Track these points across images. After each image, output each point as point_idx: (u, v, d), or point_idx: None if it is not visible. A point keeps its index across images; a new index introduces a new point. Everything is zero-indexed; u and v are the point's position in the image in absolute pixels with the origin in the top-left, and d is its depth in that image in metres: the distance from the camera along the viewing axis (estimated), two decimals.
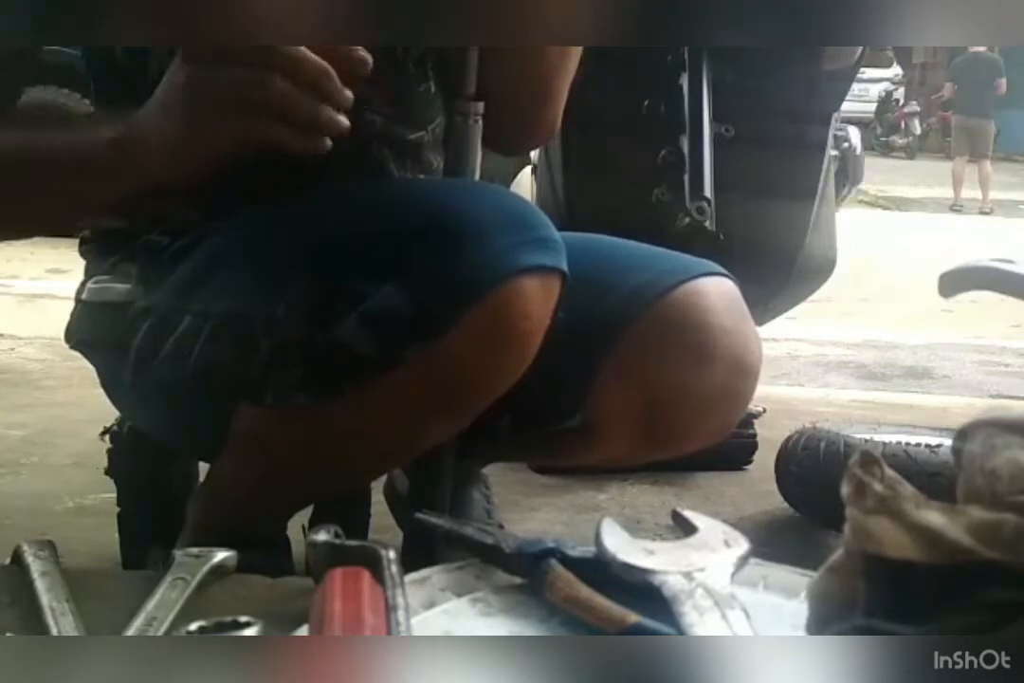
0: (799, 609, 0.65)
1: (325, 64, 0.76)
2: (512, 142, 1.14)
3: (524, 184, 2.25)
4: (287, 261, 0.91)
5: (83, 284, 1.10)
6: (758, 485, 1.71)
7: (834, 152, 1.97)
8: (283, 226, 0.93)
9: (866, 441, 1.52)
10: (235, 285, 0.93)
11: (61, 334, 1.12)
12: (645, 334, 1.07)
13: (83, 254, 1.13)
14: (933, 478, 1.30)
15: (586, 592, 0.74)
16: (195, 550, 0.86)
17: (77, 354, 1.12)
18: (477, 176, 1.01)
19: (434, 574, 0.81)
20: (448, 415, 0.94)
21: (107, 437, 1.24)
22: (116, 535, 1.21)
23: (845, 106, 1.98)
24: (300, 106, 0.76)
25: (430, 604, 0.77)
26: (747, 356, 1.08)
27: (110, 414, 1.21)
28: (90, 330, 1.08)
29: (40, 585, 0.81)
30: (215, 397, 0.95)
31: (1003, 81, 10.86)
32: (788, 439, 1.61)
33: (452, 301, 0.85)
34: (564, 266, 0.90)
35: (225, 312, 0.92)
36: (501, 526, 1.29)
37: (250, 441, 0.96)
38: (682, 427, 1.11)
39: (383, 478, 1.38)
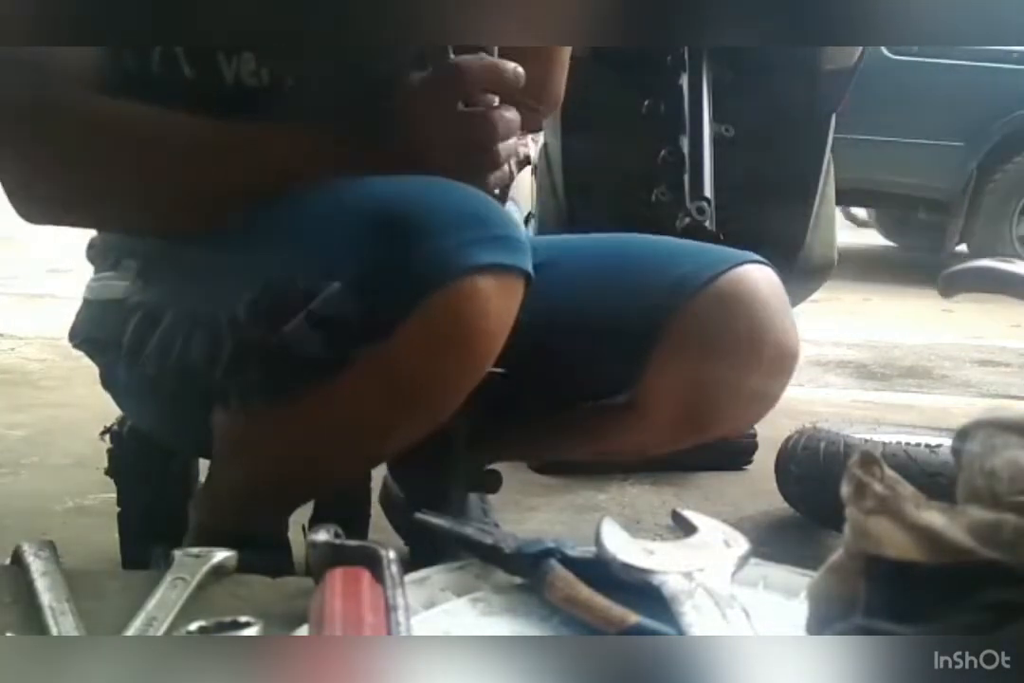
0: (799, 609, 0.65)
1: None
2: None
3: (524, 184, 2.25)
4: (247, 259, 0.90)
5: (88, 283, 1.12)
6: (758, 485, 1.71)
7: None
8: (244, 224, 0.92)
9: (866, 441, 1.52)
10: (205, 284, 0.93)
11: (61, 334, 1.12)
12: (698, 318, 1.11)
13: (90, 259, 1.14)
14: (933, 478, 1.30)
15: (586, 592, 0.74)
16: (195, 550, 0.86)
17: (77, 354, 1.13)
18: None
19: (434, 574, 0.81)
20: (410, 415, 0.92)
21: (107, 437, 1.24)
22: (116, 535, 1.21)
23: None
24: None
25: (430, 604, 0.77)
26: (791, 343, 1.13)
27: (110, 414, 1.21)
28: (90, 326, 1.09)
29: (40, 585, 0.81)
30: (197, 397, 0.95)
31: None
32: (788, 439, 1.61)
33: (399, 299, 0.84)
34: (526, 266, 0.88)
35: (197, 311, 0.92)
36: (497, 525, 1.29)
37: (225, 442, 0.97)
38: (723, 413, 1.15)
39: (382, 480, 1.38)
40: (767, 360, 1.11)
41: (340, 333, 0.84)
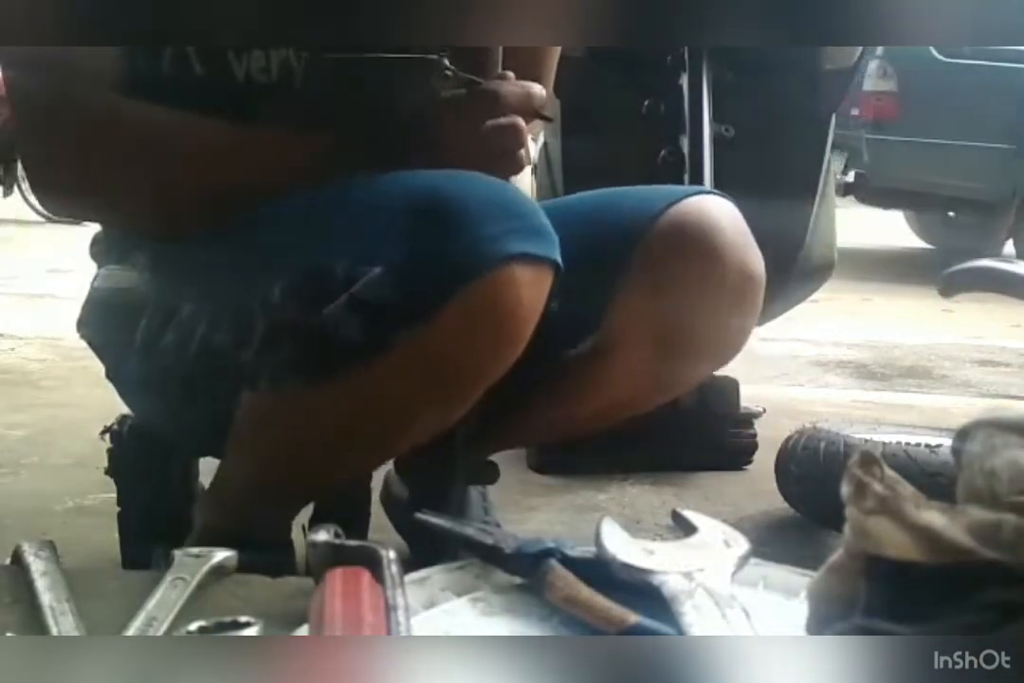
0: (799, 609, 0.65)
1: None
2: None
3: (524, 184, 2.25)
4: (282, 245, 0.92)
5: (94, 277, 1.12)
6: (758, 485, 1.71)
7: None
8: (279, 211, 0.94)
9: (866, 441, 1.52)
10: (235, 271, 0.94)
11: (61, 334, 1.12)
12: (655, 249, 1.10)
13: (93, 256, 1.14)
14: (933, 478, 1.30)
15: (586, 592, 0.74)
16: (195, 550, 0.86)
17: (77, 354, 1.13)
18: None
19: (434, 574, 0.81)
20: (440, 401, 0.94)
21: (107, 437, 1.24)
22: (116, 535, 1.21)
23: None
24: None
25: (430, 604, 0.77)
26: (752, 267, 1.11)
27: (110, 414, 1.21)
28: (99, 318, 1.10)
29: (40, 585, 0.81)
30: (216, 385, 0.95)
31: None
32: (788, 439, 1.61)
33: (438, 286, 0.86)
34: (556, 256, 0.90)
35: (226, 298, 0.93)
36: (498, 525, 1.29)
37: (250, 428, 0.97)
38: (694, 344, 1.13)
39: (382, 482, 1.38)
40: (728, 285, 1.09)
41: (379, 317, 0.86)
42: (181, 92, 0.97)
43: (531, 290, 0.89)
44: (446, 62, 0.95)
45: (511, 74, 0.97)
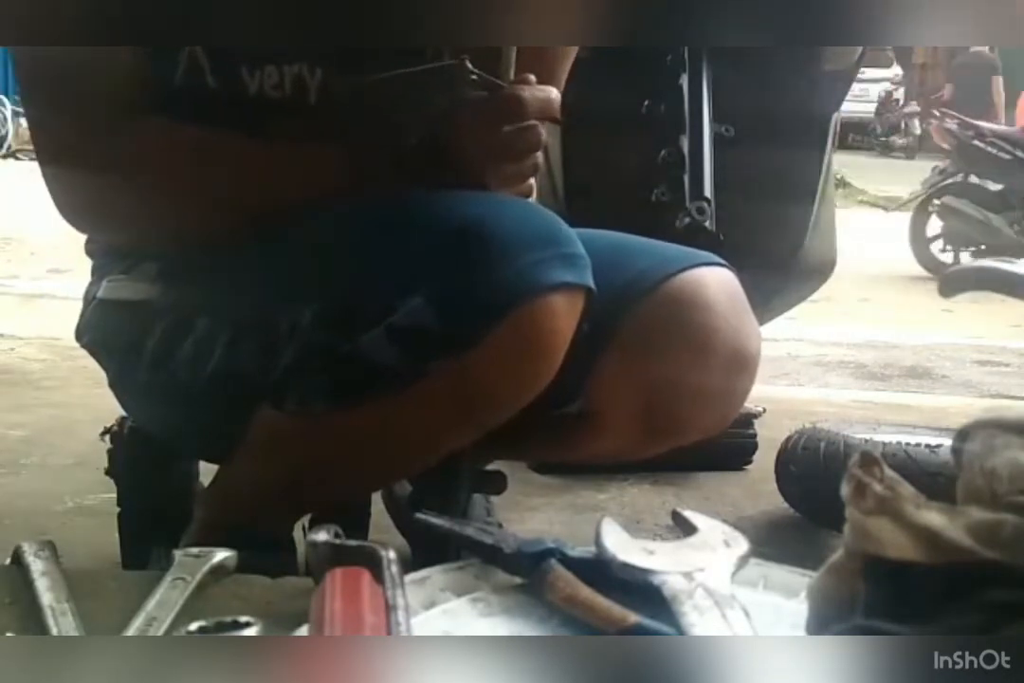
0: (799, 609, 0.65)
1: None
2: None
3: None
4: (317, 270, 0.92)
5: (95, 282, 1.11)
6: (758, 485, 1.71)
7: None
8: (314, 235, 0.94)
9: (866, 441, 1.52)
10: (263, 291, 0.94)
11: (61, 334, 1.12)
12: (645, 322, 1.07)
13: (90, 253, 1.14)
14: (933, 478, 1.30)
15: (586, 592, 0.74)
16: (195, 550, 0.86)
17: (77, 354, 1.12)
18: None
19: (434, 574, 0.81)
20: (468, 427, 0.95)
21: (107, 437, 1.24)
22: (116, 535, 1.21)
23: (845, 106, 1.99)
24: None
25: (430, 604, 0.77)
26: (745, 347, 1.08)
27: (110, 414, 1.21)
28: (104, 328, 1.09)
29: (40, 585, 0.81)
30: (231, 400, 0.95)
31: (999, 79, 10.83)
32: (788, 439, 1.61)
33: (479, 317, 0.86)
34: (590, 282, 0.90)
35: (251, 316, 0.93)
36: (500, 525, 1.29)
37: (267, 445, 0.97)
38: (680, 417, 1.11)
39: None
40: (717, 366, 1.06)
41: (418, 345, 0.86)
42: (195, 110, 0.96)
43: (568, 318, 0.89)
44: (469, 66, 0.93)
45: (532, 77, 0.95)
